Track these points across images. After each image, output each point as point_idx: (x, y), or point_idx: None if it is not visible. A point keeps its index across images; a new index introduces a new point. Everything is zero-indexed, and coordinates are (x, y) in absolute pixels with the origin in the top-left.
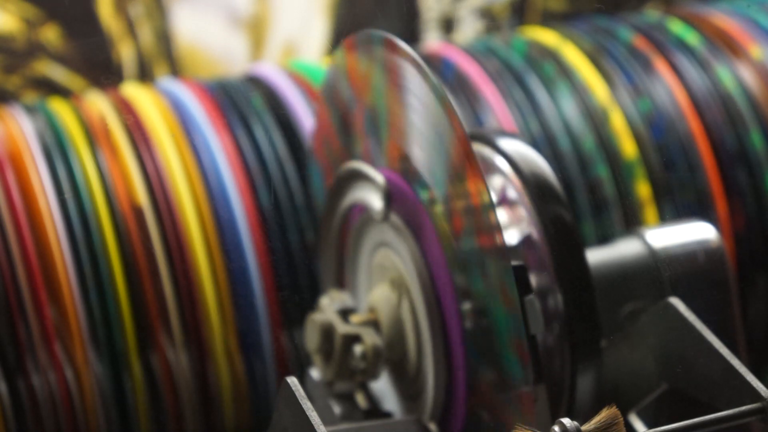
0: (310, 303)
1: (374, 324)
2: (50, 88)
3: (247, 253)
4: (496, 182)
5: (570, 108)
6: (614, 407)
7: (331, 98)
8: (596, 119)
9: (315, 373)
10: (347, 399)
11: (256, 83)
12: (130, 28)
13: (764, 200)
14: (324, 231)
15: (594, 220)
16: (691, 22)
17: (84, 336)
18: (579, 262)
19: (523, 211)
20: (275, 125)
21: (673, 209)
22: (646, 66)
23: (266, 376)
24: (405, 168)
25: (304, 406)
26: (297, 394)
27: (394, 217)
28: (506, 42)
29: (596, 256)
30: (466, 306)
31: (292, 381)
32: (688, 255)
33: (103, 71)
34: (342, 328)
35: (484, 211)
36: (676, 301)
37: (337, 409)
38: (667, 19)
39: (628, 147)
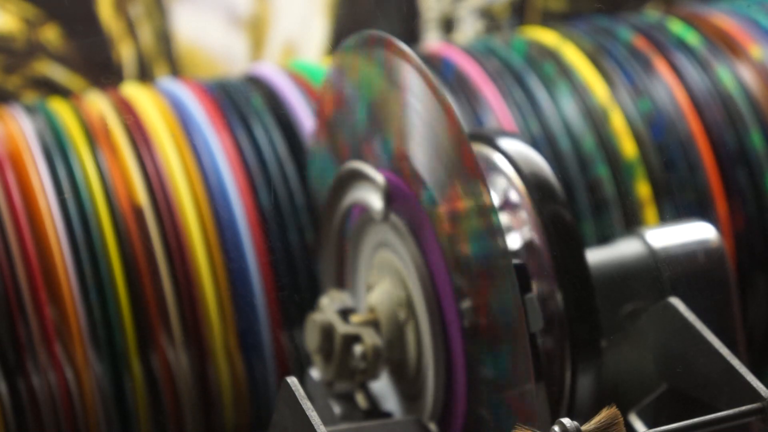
0: (310, 303)
1: (374, 324)
2: (50, 88)
3: (247, 253)
4: (495, 182)
5: (570, 108)
6: (614, 407)
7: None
8: (596, 119)
9: (315, 373)
10: (347, 399)
11: (256, 83)
12: (130, 28)
13: (764, 200)
14: (324, 231)
15: (594, 220)
16: (691, 22)
17: (84, 336)
18: (579, 262)
19: (523, 211)
20: (275, 125)
21: (673, 209)
22: (646, 66)
23: (266, 376)
24: (405, 168)
25: (304, 406)
26: (297, 394)
27: (394, 217)
28: (506, 42)
29: (596, 256)
30: (466, 305)
31: (292, 381)
32: (688, 255)
33: (103, 71)
34: (342, 328)
35: (484, 210)
36: (676, 301)
37: (337, 409)
38: (667, 19)
39: (628, 147)
